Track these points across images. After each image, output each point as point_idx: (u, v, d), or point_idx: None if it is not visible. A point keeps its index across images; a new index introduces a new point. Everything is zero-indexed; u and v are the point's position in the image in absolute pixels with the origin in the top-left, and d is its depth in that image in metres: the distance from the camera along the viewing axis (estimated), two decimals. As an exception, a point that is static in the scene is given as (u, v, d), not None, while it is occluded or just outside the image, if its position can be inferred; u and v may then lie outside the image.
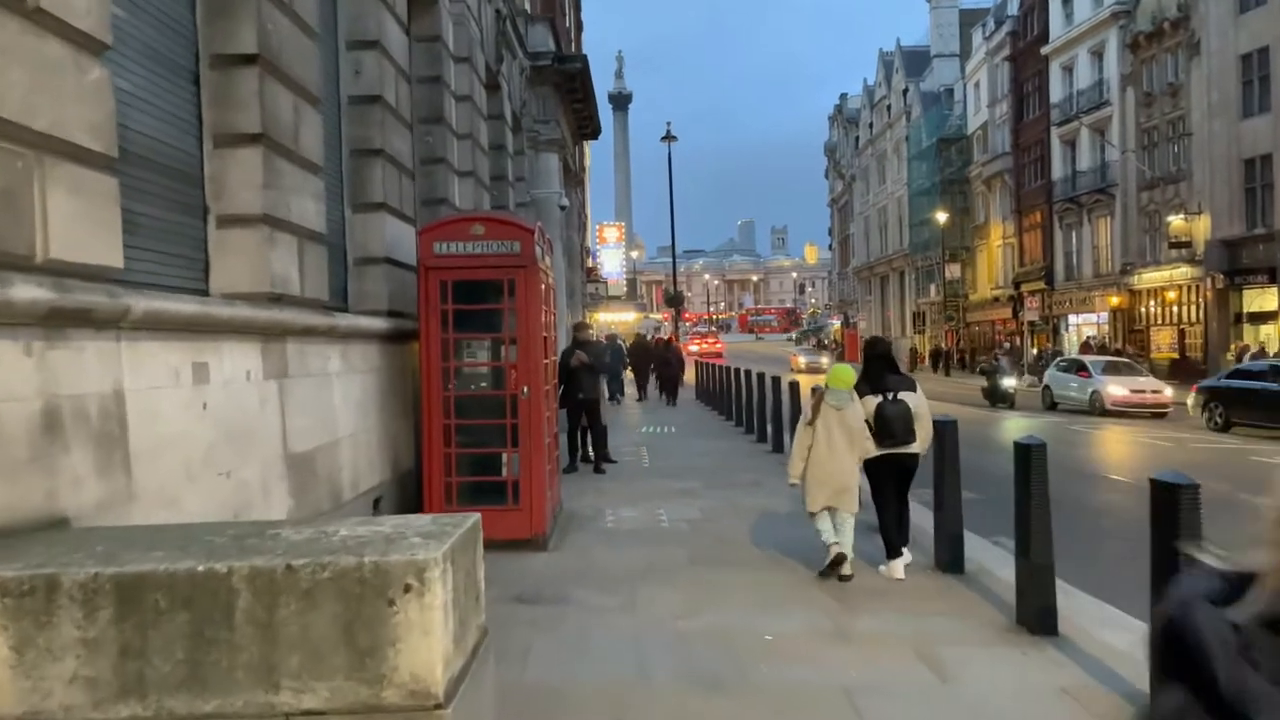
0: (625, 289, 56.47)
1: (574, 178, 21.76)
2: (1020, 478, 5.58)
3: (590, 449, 12.50)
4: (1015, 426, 19.41)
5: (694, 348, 65.75)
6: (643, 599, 6.31)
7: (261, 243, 5.37)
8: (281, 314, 5.53)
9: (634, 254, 70.03)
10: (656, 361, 27.62)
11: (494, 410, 7.87)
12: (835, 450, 6.56)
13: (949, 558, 6.91)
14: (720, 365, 24.08)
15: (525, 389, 7.72)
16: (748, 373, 17.29)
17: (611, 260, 54.09)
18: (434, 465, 7.65)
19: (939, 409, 8.45)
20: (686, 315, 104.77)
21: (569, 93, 18.66)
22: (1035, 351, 42.50)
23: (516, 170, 16.49)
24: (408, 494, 7.98)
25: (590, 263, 46.04)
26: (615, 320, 59.89)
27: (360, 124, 7.95)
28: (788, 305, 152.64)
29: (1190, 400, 20.46)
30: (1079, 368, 24.99)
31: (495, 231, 7.75)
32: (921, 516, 7.75)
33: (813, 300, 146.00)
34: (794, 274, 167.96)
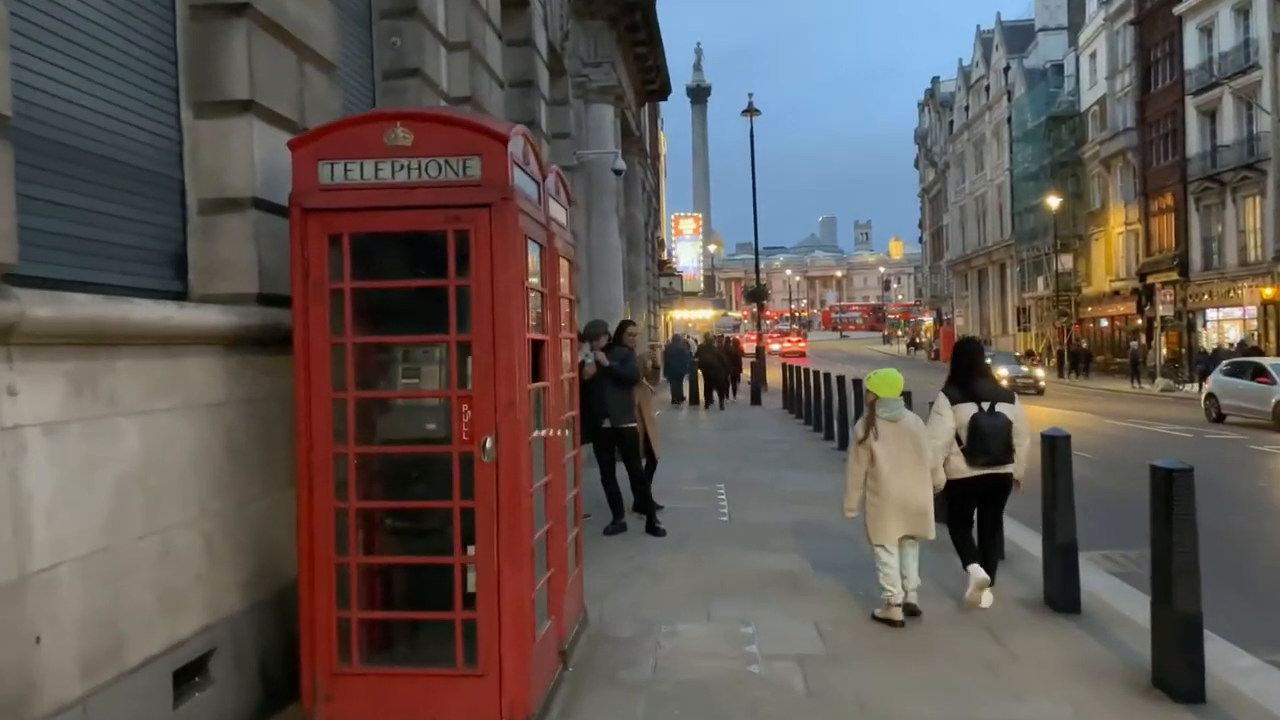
0: (702, 285, 52.65)
1: (636, 143, 18.05)
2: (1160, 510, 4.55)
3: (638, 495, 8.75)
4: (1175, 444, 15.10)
5: (775, 347, 61.84)
6: None
7: None
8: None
9: (711, 248, 66.10)
10: (713, 362, 23.90)
11: (438, 482, 4.19)
12: (902, 467, 5.81)
13: (1062, 593, 6.00)
14: (810, 369, 20.04)
15: (488, 442, 4.02)
16: (856, 383, 13.32)
17: (688, 254, 50.31)
18: (318, 589, 3.99)
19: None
20: (768, 313, 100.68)
21: (629, 30, 14.97)
22: (1165, 352, 37.48)
23: (556, 123, 12.87)
24: (276, 636, 4.33)
25: (665, 256, 42.42)
26: (692, 318, 56.18)
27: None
28: (872, 302, 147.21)
29: None
30: (1257, 372, 20.40)
31: (432, 139, 4.08)
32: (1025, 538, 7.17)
33: (899, 296, 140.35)
34: (879, 269, 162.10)
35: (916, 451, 5.81)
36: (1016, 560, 7.23)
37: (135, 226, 4.12)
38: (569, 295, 5.63)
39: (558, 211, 5.31)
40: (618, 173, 13.18)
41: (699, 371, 24.08)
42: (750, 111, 30.66)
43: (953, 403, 5.99)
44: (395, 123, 4.07)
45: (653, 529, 8.51)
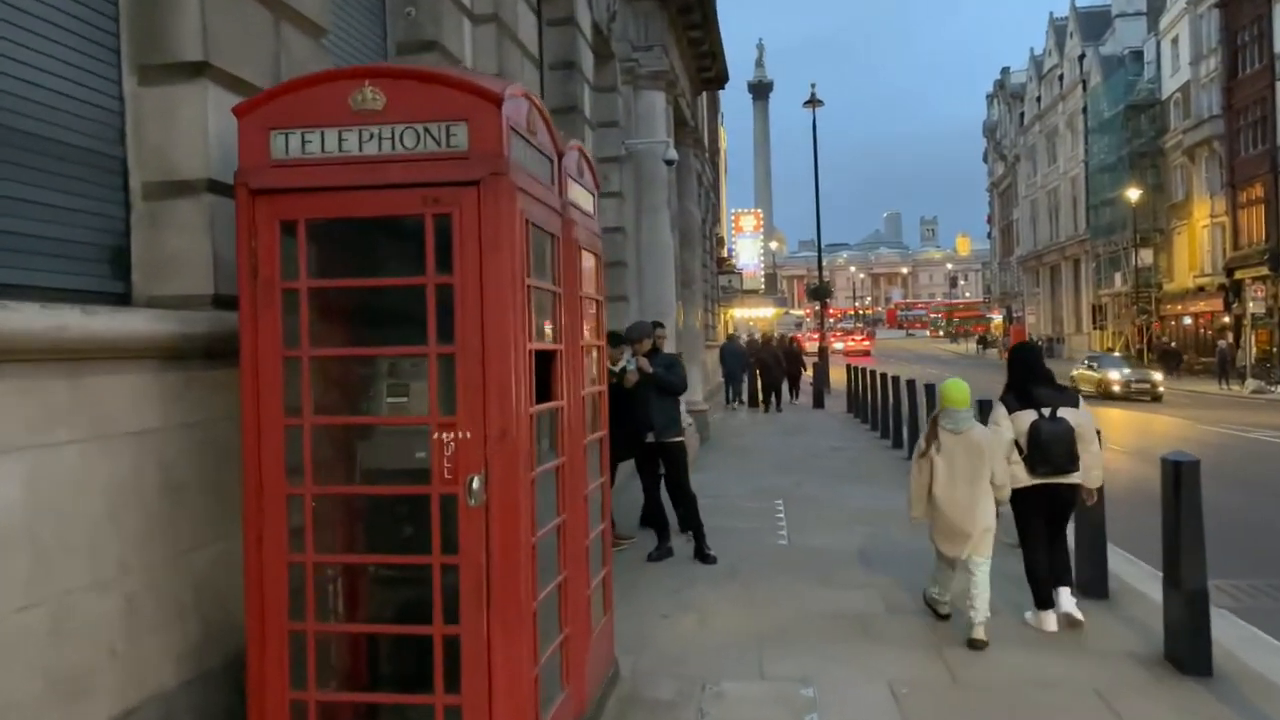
0: (763, 283, 51.48)
1: (692, 134, 17.14)
2: None
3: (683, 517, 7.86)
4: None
5: (838, 346, 60.40)
6: None
7: None
8: None
9: (773, 245, 64.81)
10: (769, 362, 22.94)
11: (417, 533, 3.37)
12: (959, 484, 5.54)
13: (1190, 652, 4.98)
14: (875, 369, 18.93)
15: (475, 481, 3.17)
16: (928, 388, 12.26)
17: (748, 251, 49.26)
18: (268, 663, 3.19)
19: None
20: (831, 310, 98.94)
21: (682, 12, 14.06)
22: (1256, 352, 35.41)
23: (602, 110, 12.03)
24: (228, 714, 3.53)
25: (724, 253, 41.40)
26: (753, 316, 55.08)
27: None
28: (938, 299, 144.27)
29: None
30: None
31: (408, 101, 3.25)
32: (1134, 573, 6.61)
33: (966, 294, 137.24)
34: (946, 266, 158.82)
35: (978, 467, 5.55)
36: (1127, 601, 6.25)
37: (67, 216, 3.38)
38: (595, 295, 4.78)
39: (580, 196, 4.45)
40: (669, 163, 12.29)
41: (757, 372, 23.14)
42: (812, 102, 29.54)
43: (1010, 411, 5.76)
44: (363, 81, 3.25)
45: (702, 554, 7.63)
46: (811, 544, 8.23)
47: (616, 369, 7.44)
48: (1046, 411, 5.68)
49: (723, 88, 20.72)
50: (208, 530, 3.56)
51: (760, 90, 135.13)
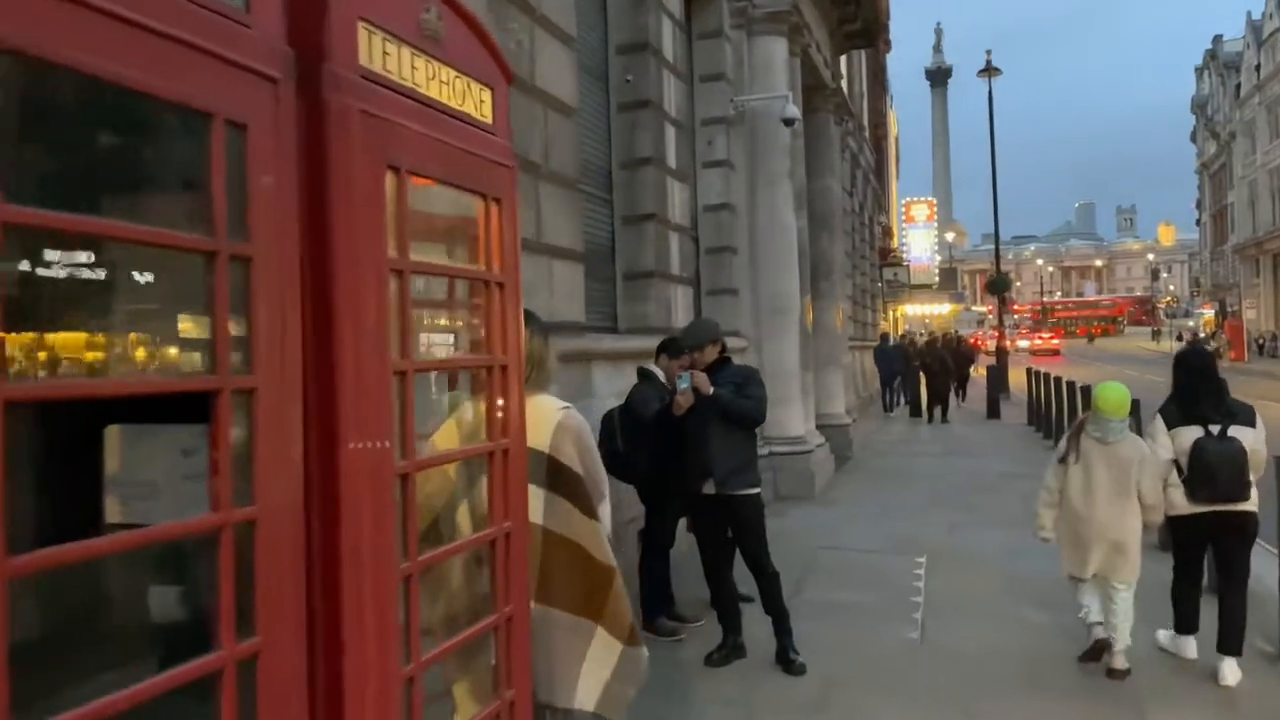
0: (937, 277, 47.60)
1: (832, 98, 14.53)
2: None
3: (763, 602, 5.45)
4: None
5: (1023, 344, 55.60)
6: None
7: None
8: None
9: (949, 237, 60.27)
10: (935, 367, 20.07)
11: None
12: (1096, 497, 5.06)
13: None
14: (1060, 374, 15.70)
15: None
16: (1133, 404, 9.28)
17: (920, 243, 45.52)
18: None
19: None
20: (1015, 306, 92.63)
21: (810, -60, 11.58)
22: None
23: (706, 59, 9.77)
24: None
25: (894, 244, 38.17)
26: (926, 313, 51.24)
27: None
28: (1136, 294, 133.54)
29: None
30: None
31: None
32: None
33: (1170, 287, 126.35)
34: (1146, 257, 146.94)
35: (1122, 483, 5.07)
36: None
37: None
38: (485, 272, 2.59)
39: (406, 62, 2.29)
40: (788, 123, 9.88)
41: (921, 377, 20.24)
42: (988, 71, 26.17)
43: (1170, 426, 5.14)
44: None
45: (785, 659, 5.23)
46: (958, 641, 5.68)
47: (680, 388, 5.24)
48: (1215, 429, 4.98)
49: (872, 45, 17.93)
50: None
51: (938, 76, 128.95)
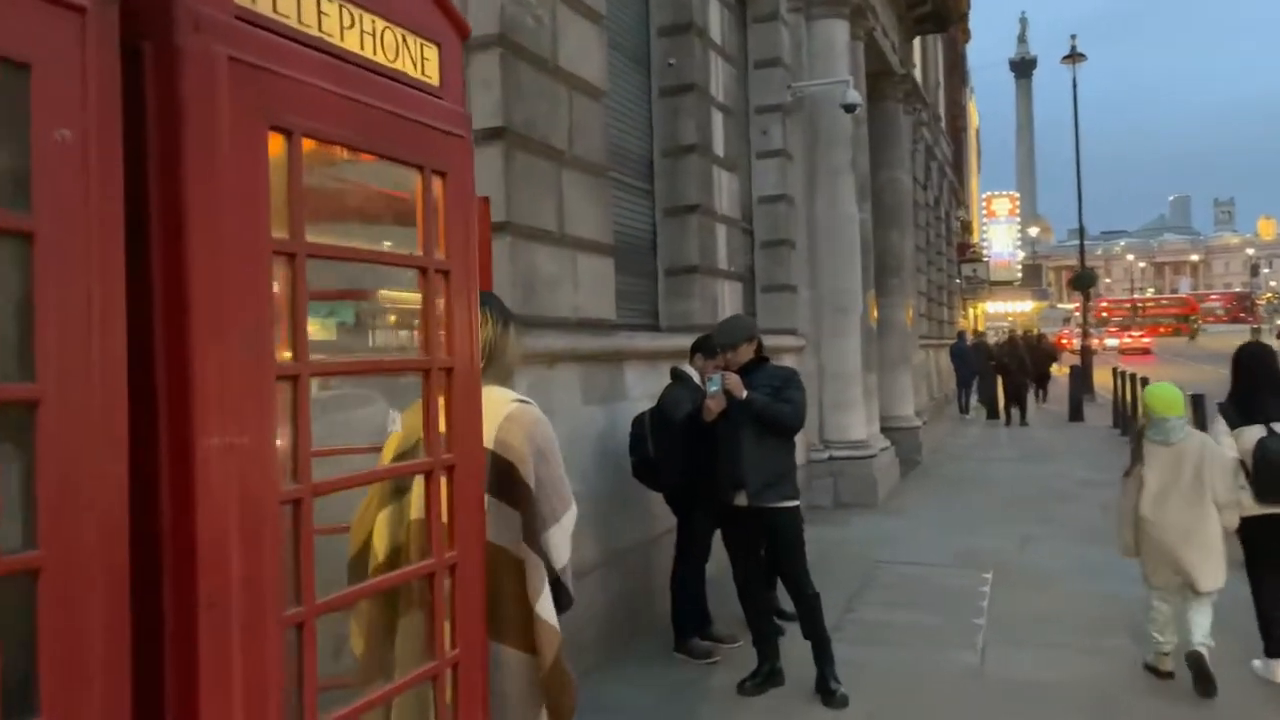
0: (1020, 274, 46.07)
1: (901, 85, 13.88)
2: None
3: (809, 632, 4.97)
4: None
5: (1112, 342, 53.62)
6: None
7: None
8: None
9: (1033, 231, 58.33)
10: (1012, 365, 19.17)
11: None
12: (1172, 503, 4.82)
13: None
14: (1148, 374, 14.80)
15: None
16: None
17: (1001, 238, 44.10)
18: None
19: None
20: (1103, 303, 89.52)
21: (872, -82, 11.00)
22: None
23: (761, 44, 9.33)
24: None
25: (973, 239, 37.00)
26: (1008, 311, 49.75)
27: None
28: (1235, 289, 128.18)
29: None
30: None
31: None
32: None
33: (1271, 283, 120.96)
34: (1245, 252, 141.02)
35: (1193, 482, 4.80)
36: None
37: None
38: (422, 259, 2.22)
39: (369, 38, 1.96)
40: (848, 108, 9.34)
41: (998, 378, 19.37)
42: (1073, 57, 25.08)
43: (1231, 426, 4.92)
44: None
45: (826, 690, 4.75)
46: (1022, 670, 5.13)
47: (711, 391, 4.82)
48: (1278, 427, 4.82)
49: (945, 30, 17.12)
50: None
51: (1022, 68, 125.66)
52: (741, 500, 4.81)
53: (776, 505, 4.79)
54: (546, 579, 2.43)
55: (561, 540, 2.46)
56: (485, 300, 2.46)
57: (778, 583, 5.31)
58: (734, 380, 4.75)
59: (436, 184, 2.19)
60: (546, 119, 5.08)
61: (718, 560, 5.57)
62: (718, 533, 5.53)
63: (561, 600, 2.49)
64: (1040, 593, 6.63)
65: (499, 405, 2.49)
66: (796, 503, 4.89)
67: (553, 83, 5.19)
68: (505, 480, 2.43)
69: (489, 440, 2.42)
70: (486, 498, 2.45)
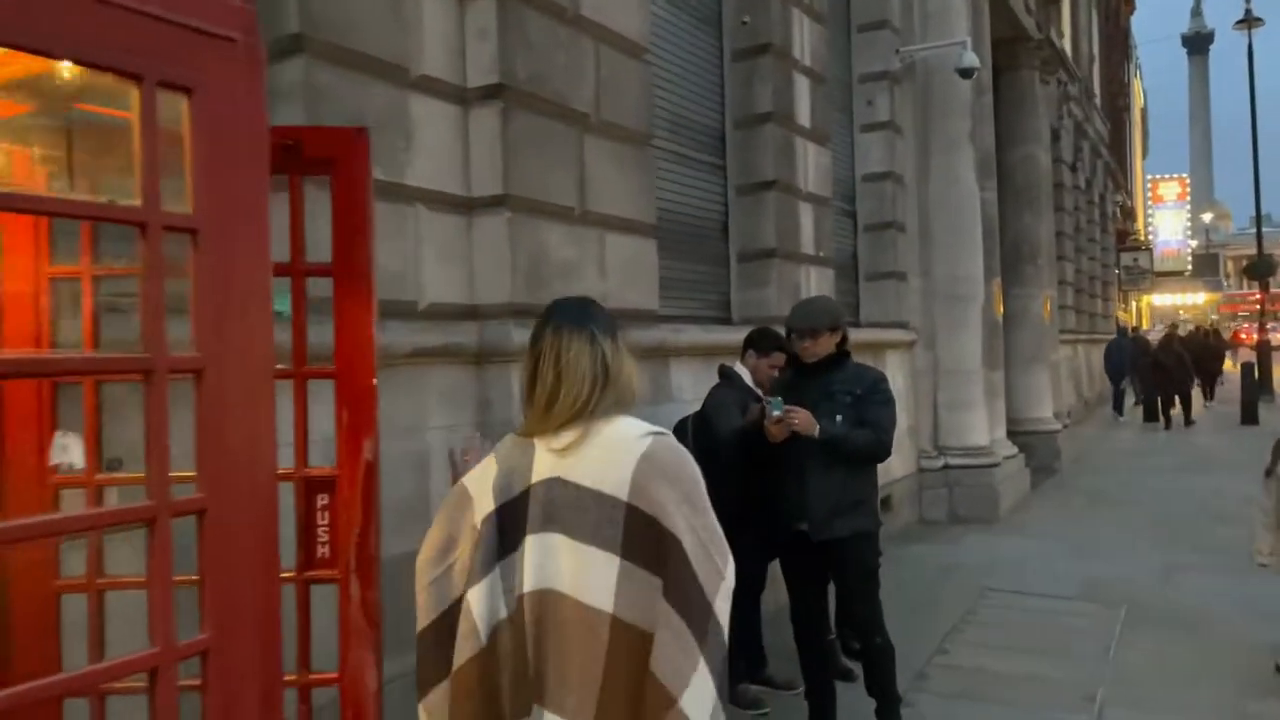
0: (1190, 263, 42.60)
1: (1037, 51, 12.54)
2: None
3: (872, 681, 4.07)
4: None
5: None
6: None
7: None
8: None
9: (1206, 217, 53.90)
10: (1169, 363, 17.28)
11: None
12: None
13: None
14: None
15: None
16: None
17: (1169, 225, 40.89)
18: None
19: None
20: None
21: None
22: None
23: (861, 8, 8.41)
24: None
25: (1137, 226, 34.31)
26: (1178, 303, 46.13)
27: None
28: None
29: None
30: None
31: None
32: None
33: None
34: None
35: None
36: None
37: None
38: (137, 211, 1.53)
39: None
40: (965, 74, 8.27)
41: (1155, 377, 17.56)
42: (1248, 21, 22.72)
43: None
44: None
45: (888, 762, 3.88)
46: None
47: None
48: None
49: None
50: None
51: (1197, 43, 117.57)
52: (804, 527, 3.96)
53: (846, 533, 3.90)
54: (702, 659, 1.80)
55: (726, 608, 1.84)
56: (590, 315, 2.03)
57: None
58: (804, 419, 3.81)
59: (179, 104, 1.50)
60: (563, 76, 4.37)
61: (781, 590, 4.74)
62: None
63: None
64: (1184, 638, 5.49)
65: (630, 442, 1.92)
66: (871, 530, 4.00)
67: (574, 34, 4.47)
68: (647, 538, 1.86)
69: (621, 489, 1.88)
70: (615, 559, 1.88)
